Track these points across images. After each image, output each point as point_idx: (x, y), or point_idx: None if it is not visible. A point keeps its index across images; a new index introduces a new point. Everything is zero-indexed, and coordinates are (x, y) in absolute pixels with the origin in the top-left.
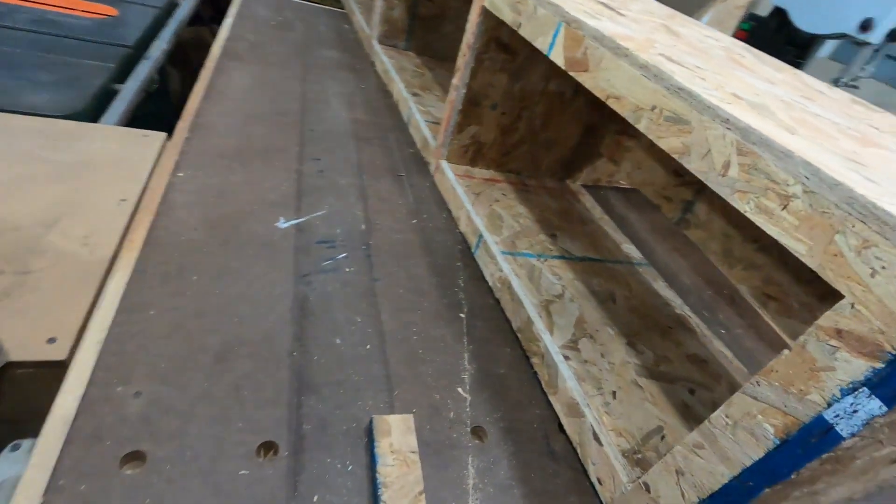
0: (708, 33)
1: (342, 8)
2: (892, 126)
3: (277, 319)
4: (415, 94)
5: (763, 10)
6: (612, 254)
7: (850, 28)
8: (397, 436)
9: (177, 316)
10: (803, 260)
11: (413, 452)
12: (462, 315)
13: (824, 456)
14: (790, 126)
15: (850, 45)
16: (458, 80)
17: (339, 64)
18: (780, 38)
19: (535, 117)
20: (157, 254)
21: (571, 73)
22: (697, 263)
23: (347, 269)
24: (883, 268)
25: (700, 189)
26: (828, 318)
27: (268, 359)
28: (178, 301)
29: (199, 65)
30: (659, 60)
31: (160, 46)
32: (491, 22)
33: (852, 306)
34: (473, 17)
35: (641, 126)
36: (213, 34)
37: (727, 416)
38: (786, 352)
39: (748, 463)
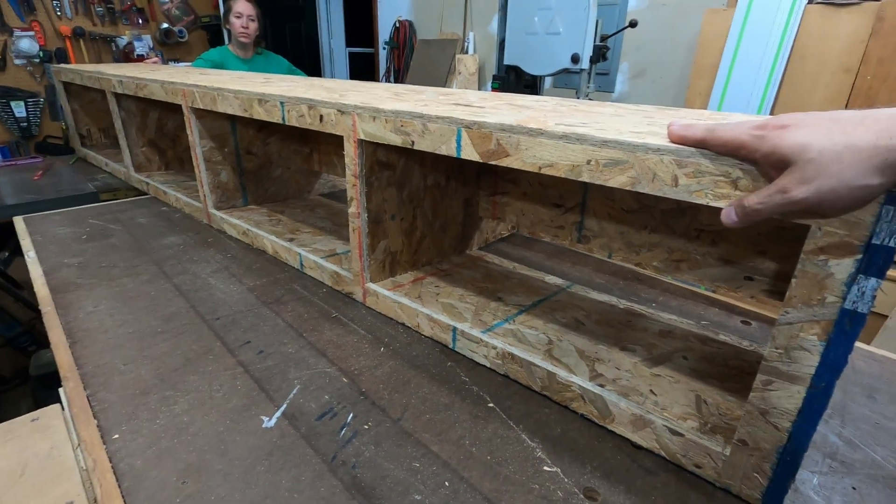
0: (536, 100)
1: (144, 193)
2: (691, 113)
3: None
4: (291, 240)
5: (497, 70)
6: (548, 289)
7: (567, 64)
8: None
9: None
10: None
11: None
12: (491, 405)
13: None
14: None
15: (563, 76)
16: (356, 207)
17: (189, 246)
18: (518, 85)
19: (427, 212)
20: None
21: (492, 162)
22: (594, 265)
23: (367, 427)
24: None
25: (582, 210)
26: (809, 245)
27: None
28: None
29: None
30: (566, 128)
31: None
32: (369, 149)
33: (819, 229)
34: (351, 152)
35: (584, 177)
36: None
37: (777, 348)
38: (794, 280)
39: (812, 371)
